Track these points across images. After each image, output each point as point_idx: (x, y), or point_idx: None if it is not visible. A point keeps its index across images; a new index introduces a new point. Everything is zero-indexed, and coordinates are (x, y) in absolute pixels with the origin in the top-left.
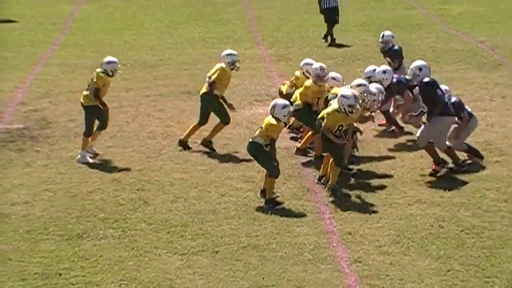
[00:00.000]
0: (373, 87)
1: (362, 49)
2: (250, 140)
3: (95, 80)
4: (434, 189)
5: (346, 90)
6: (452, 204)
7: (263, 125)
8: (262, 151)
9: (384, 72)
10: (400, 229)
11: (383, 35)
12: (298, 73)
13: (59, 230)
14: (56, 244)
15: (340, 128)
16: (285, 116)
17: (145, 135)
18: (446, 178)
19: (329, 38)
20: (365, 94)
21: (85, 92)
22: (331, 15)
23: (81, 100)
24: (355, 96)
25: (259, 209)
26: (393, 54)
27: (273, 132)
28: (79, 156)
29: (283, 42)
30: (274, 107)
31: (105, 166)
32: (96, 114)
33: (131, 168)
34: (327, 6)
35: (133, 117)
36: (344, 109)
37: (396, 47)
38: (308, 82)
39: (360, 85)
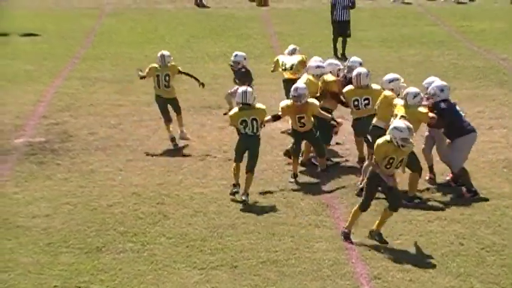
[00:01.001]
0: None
1: (383, 65)
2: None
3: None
4: (455, 206)
5: (399, 122)
6: (472, 221)
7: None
8: None
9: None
10: (420, 246)
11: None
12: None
13: (79, 243)
14: (76, 257)
15: (391, 161)
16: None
17: (166, 150)
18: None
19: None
20: (399, 89)
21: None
22: (341, 28)
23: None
24: (409, 129)
25: (279, 224)
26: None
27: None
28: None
29: None
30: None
31: (125, 180)
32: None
33: (151, 182)
34: (339, 19)
35: (153, 131)
36: (397, 142)
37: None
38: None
39: (392, 80)
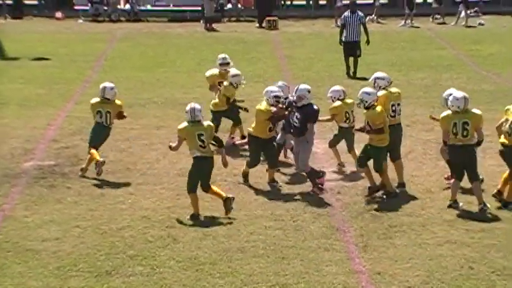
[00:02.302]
0: None
1: None
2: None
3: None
4: (465, 229)
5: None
6: (482, 245)
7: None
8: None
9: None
10: (430, 270)
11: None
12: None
13: (89, 266)
14: (86, 281)
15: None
16: None
17: (176, 173)
18: (476, 218)
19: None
20: None
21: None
22: (351, 49)
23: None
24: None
25: (288, 247)
26: None
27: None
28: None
29: (313, 81)
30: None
31: (134, 203)
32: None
33: (161, 206)
34: (349, 39)
35: (163, 155)
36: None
37: None
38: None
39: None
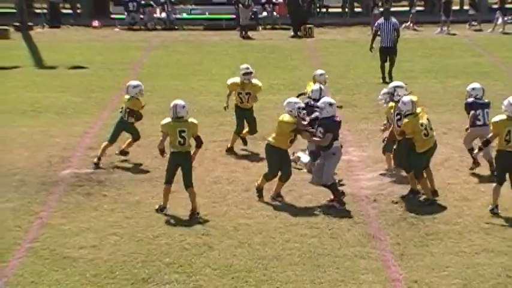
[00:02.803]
0: None
1: (429, 96)
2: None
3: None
4: (502, 237)
5: None
6: None
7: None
8: None
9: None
10: (467, 278)
11: None
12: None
13: (125, 274)
14: None
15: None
16: None
17: (211, 180)
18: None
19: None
20: None
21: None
22: (387, 54)
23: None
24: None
25: (324, 255)
26: None
27: None
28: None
29: (349, 89)
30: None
31: (170, 211)
32: None
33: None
34: (384, 45)
35: (199, 163)
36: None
37: None
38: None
39: None
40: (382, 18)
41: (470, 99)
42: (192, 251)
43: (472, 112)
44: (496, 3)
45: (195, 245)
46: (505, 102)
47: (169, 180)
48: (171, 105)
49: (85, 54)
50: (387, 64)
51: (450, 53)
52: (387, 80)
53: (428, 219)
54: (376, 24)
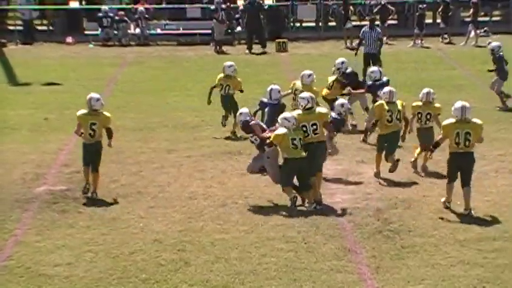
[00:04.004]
0: None
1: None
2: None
3: None
4: (477, 250)
5: None
6: (495, 265)
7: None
8: None
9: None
10: None
11: None
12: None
13: None
14: None
15: None
16: None
17: (187, 196)
18: (489, 239)
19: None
20: None
21: None
22: (371, 59)
23: None
24: None
25: (300, 269)
26: None
27: None
28: None
29: (323, 103)
30: None
31: (146, 227)
32: None
33: (172, 229)
34: (368, 51)
35: (175, 178)
36: None
37: None
38: None
39: None
40: (367, 26)
41: (370, 82)
42: (168, 266)
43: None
44: (468, 17)
45: (171, 261)
46: (454, 107)
47: (84, 164)
48: (87, 98)
49: (59, 70)
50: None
51: (424, 66)
52: None
53: (404, 231)
54: (361, 32)
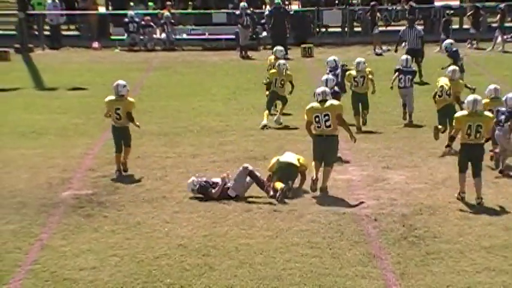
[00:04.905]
0: None
1: (429, 114)
2: None
3: None
4: (503, 256)
5: None
6: None
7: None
8: None
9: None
10: None
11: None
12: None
13: None
14: None
15: None
16: None
17: (211, 201)
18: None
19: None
20: None
21: None
22: (414, 55)
23: None
24: None
25: (325, 275)
26: None
27: None
28: None
29: (349, 109)
30: None
31: (171, 231)
32: None
33: (197, 234)
34: (411, 47)
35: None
36: None
37: None
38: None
39: None
40: (407, 26)
41: (398, 66)
42: (193, 271)
43: (396, 74)
44: (495, 22)
45: (195, 266)
46: (466, 100)
47: (116, 150)
48: (114, 84)
49: (85, 75)
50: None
51: None
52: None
53: (429, 238)
54: (401, 32)
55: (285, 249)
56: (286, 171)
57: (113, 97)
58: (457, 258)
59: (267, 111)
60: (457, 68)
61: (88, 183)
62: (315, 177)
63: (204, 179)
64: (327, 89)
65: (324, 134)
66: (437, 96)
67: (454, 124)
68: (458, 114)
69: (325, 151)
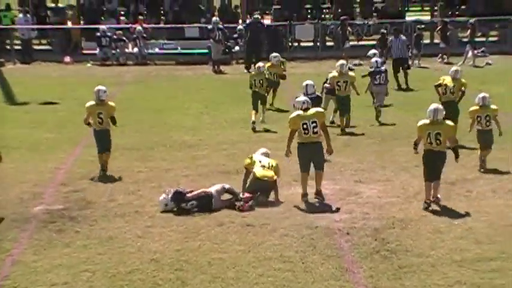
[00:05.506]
0: None
1: (401, 128)
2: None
3: None
4: (475, 270)
5: None
6: (493, 286)
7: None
8: None
9: None
10: None
11: None
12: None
13: None
14: None
15: None
16: None
17: (184, 215)
18: (486, 259)
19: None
20: None
21: None
22: (400, 64)
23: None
24: None
25: None
26: None
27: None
28: None
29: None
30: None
31: (143, 246)
32: None
33: (169, 248)
34: (397, 56)
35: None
36: None
37: None
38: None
39: None
40: (393, 36)
41: (371, 69)
42: (165, 286)
43: (371, 76)
44: (466, 37)
45: (168, 281)
46: (428, 109)
47: (99, 151)
48: (95, 89)
49: (57, 90)
50: (400, 74)
51: (422, 86)
52: (403, 87)
53: (401, 251)
54: (388, 41)
55: (257, 263)
56: (262, 186)
57: (93, 102)
58: (429, 272)
59: (253, 111)
60: (458, 68)
61: (60, 198)
62: (304, 192)
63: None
64: (308, 98)
65: (310, 141)
66: (441, 93)
67: (417, 132)
68: (420, 123)
69: (313, 156)
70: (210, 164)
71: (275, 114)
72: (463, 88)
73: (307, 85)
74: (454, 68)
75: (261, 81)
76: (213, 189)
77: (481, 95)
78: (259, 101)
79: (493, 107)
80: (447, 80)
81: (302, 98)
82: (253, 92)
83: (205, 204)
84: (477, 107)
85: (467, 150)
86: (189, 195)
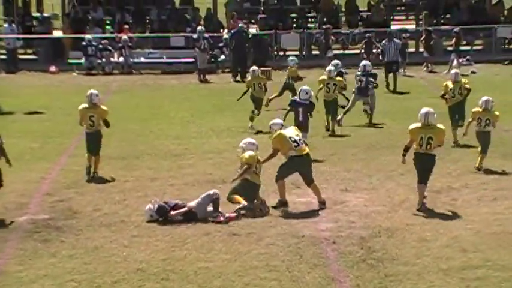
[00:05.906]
0: None
1: (387, 137)
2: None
3: None
4: (460, 278)
5: None
6: None
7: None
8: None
9: None
10: None
11: None
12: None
13: None
14: None
15: None
16: None
17: (170, 224)
18: (472, 267)
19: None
20: None
21: None
22: (392, 67)
23: None
24: None
25: None
26: None
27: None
28: None
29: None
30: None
31: (129, 256)
32: None
33: (156, 258)
34: (389, 59)
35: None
36: None
37: None
38: None
39: None
40: (386, 39)
41: (359, 72)
42: None
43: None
44: (451, 46)
45: None
46: (419, 113)
47: (90, 151)
48: (88, 93)
49: (42, 99)
50: (391, 76)
51: (407, 94)
52: (391, 88)
53: (388, 260)
54: (381, 44)
55: (243, 272)
56: (250, 191)
57: (86, 105)
58: (415, 281)
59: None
60: (458, 70)
61: (45, 207)
62: (284, 200)
63: (163, 200)
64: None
65: (303, 154)
66: (450, 97)
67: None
68: (412, 126)
69: (305, 169)
70: (196, 173)
71: (275, 114)
72: (467, 86)
73: (300, 90)
74: (453, 71)
75: (260, 84)
76: (196, 203)
77: (485, 98)
78: (256, 105)
79: (495, 113)
80: (450, 85)
81: (278, 120)
82: (251, 95)
83: (191, 217)
84: (480, 109)
85: (453, 157)
86: (173, 212)
